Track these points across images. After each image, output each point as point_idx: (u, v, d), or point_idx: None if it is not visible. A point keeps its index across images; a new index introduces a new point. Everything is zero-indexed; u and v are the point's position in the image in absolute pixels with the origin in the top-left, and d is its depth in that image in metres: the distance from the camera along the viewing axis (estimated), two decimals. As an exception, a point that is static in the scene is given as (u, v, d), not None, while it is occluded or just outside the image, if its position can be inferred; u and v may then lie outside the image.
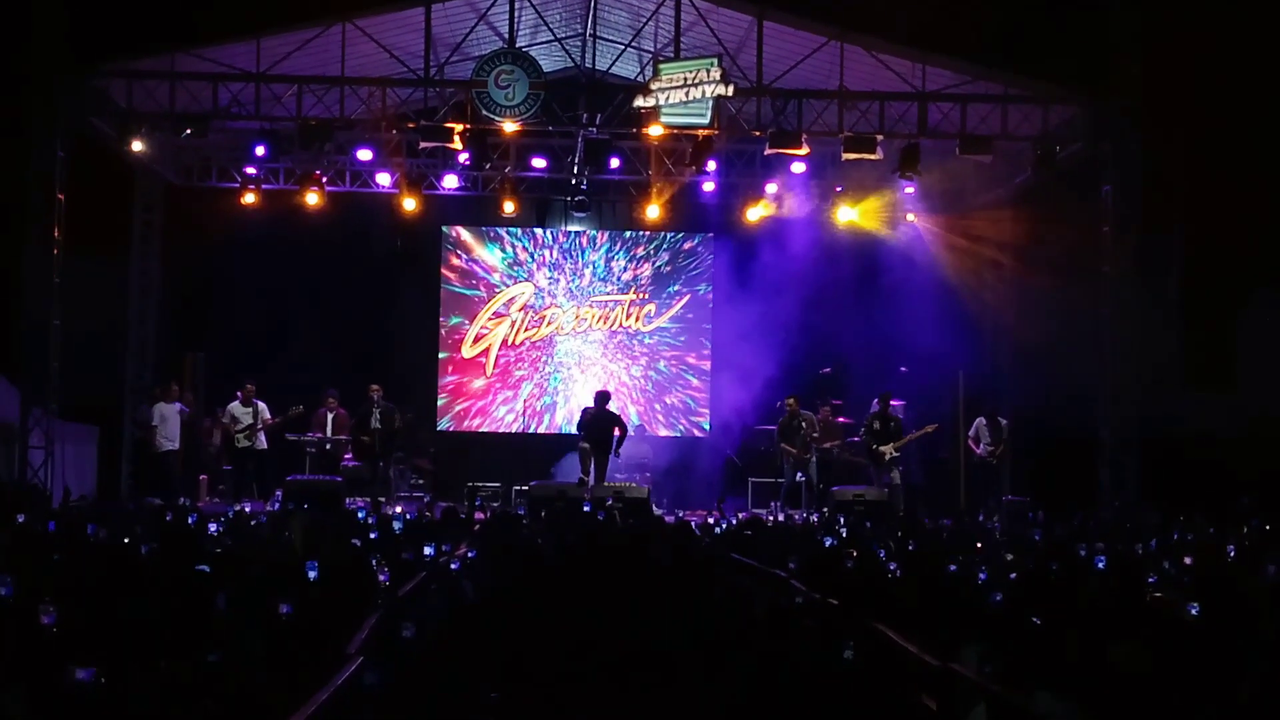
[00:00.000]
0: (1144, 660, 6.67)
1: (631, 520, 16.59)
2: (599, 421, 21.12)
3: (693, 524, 16.39)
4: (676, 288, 25.50)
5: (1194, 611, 8.33)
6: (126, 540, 11.89)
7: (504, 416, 25.19)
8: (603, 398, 21.58)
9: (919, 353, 23.36)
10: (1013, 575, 10.41)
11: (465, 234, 25.45)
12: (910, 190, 23.04)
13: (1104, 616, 8.06)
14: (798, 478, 21.81)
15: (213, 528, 13.71)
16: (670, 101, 19.86)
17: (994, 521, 19.68)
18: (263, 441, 21.62)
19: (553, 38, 22.15)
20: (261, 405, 21.52)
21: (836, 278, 24.23)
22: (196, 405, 22.52)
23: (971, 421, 21.81)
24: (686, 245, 25.57)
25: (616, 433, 20.97)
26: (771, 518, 19.20)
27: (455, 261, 25.41)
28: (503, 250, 25.44)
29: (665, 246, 25.55)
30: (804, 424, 21.74)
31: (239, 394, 21.62)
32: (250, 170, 22.90)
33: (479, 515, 17.68)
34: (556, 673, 7.17)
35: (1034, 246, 23.21)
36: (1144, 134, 20.38)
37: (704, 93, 19.79)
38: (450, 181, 23.54)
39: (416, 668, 7.69)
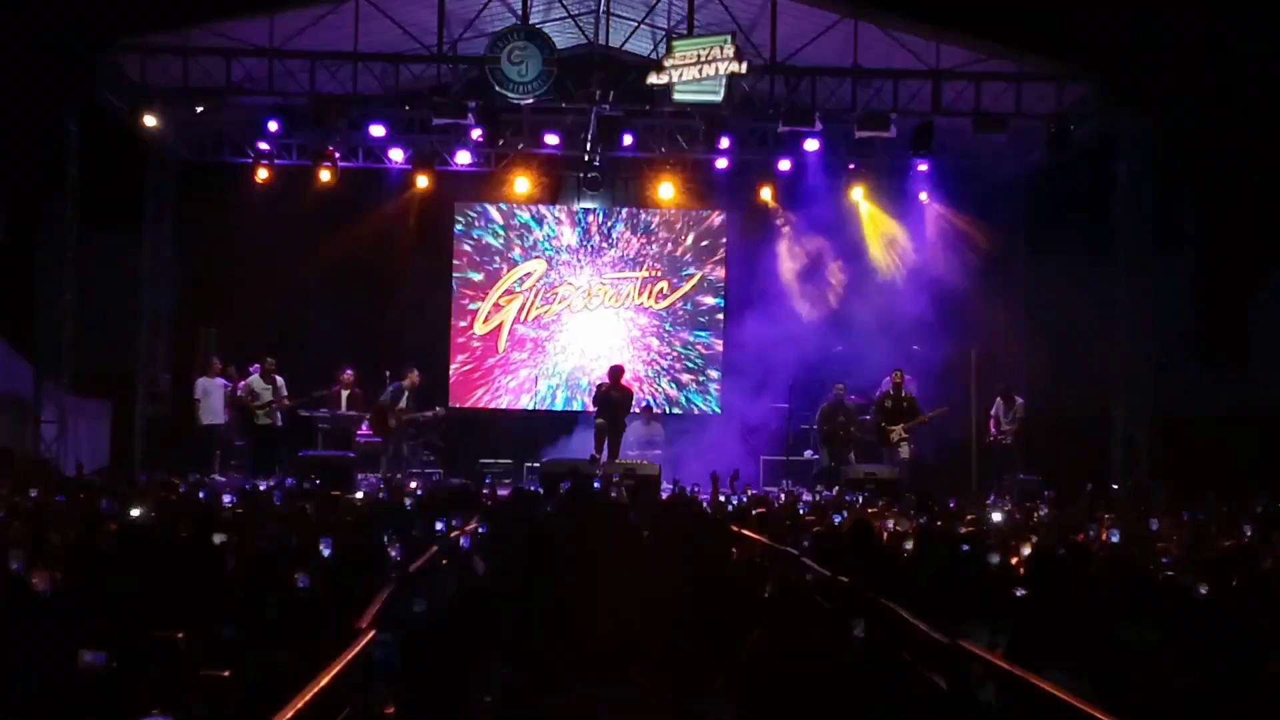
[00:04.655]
0: (1151, 638, 6.67)
1: (642, 498, 16.64)
2: (614, 397, 21.17)
3: (703, 501, 16.41)
4: (689, 265, 25.47)
5: (1203, 591, 8.33)
6: (135, 513, 11.90)
7: (515, 393, 25.19)
8: (617, 372, 21.62)
9: (932, 331, 23.37)
10: (1026, 551, 10.41)
11: (478, 210, 25.43)
12: (924, 168, 22.97)
13: (1114, 595, 8.06)
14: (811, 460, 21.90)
15: (228, 499, 13.75)
16: (683, 79, 19.84)
17: (1005, 500, 19.66)
18: (279, 418, 21.64)
19: (566, 14, 22.09)
20: (279, 381, 21.54)
21: (849, 255, 24.24)
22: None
23: (985, 400, 21.78)
24: (699, 222, 25.52)
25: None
26: (782, 495, 19.19)
27: (467, 238, 25.40)
28: (515, 228, 25.41)
29: (678, 224, 25.50)
30: (842, 415, 21.74)
31: (254, 369, 21.60)
32: (263, 146, 22.86)
33: (485, 491, 17.71)
34: (565, 648, 7.19)
35: (1047, 225, 23.19)
36: (1158, 112, 20.32)
37: (717, 70, 19.76)
38: (463, 158, 23.54)
39: (427, 642, 7.72)
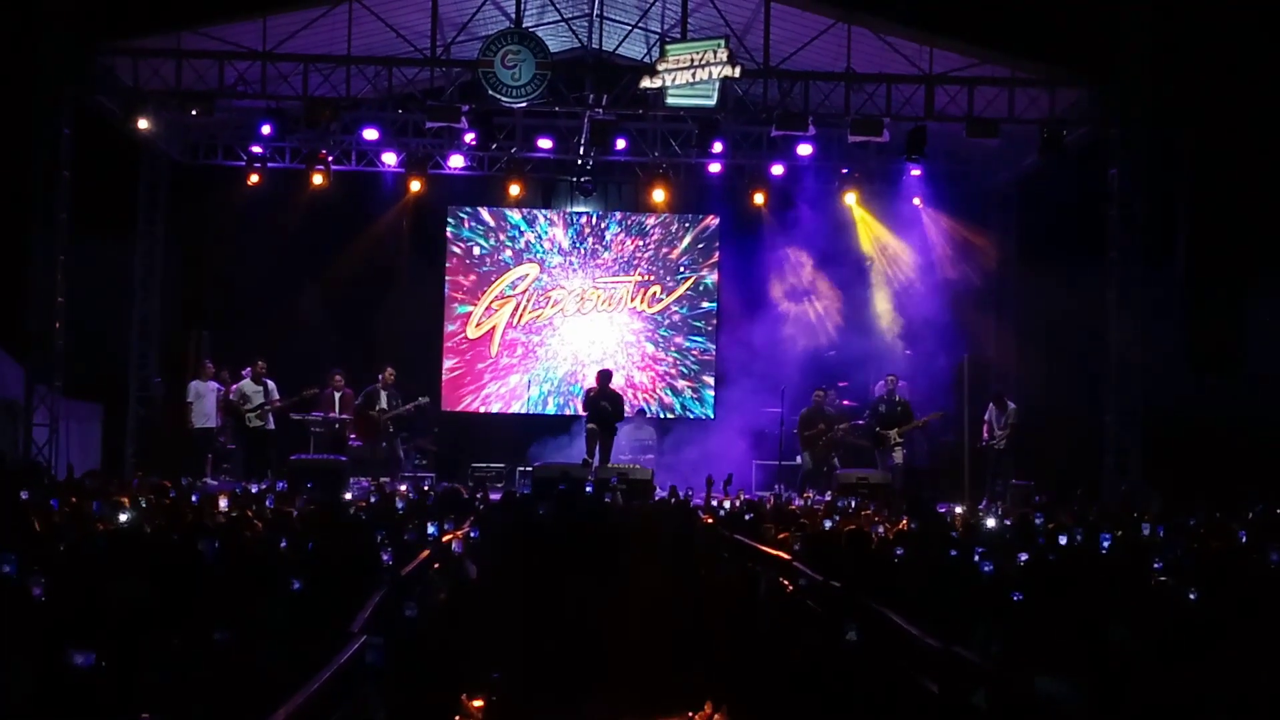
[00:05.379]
0: (1143, 644, 6.68)
1: (635, 502, 16.63)
2: (604, 401, 21.16)
3: (696, 506, 16.41)
4: (682, 269, 25.45)
5: (1193, 597, 8.34)
6: (124, 517, 11.87)
7: (507, 397, 25.16)
8: (605, 376, 21.62)
9: (924, 336, 23.39)
10: (1022, 557, 10.41)
11: (470, 214, 25.40)
12: (916, 173, 22.99)
13: (1106, 600, 8.07)
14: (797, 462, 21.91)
15: (223, 503, 13.73)
16: (677, 83, 19.84)
17: (997, 506, 19.65)
18: (270, 421, 21.60)
19: (559, 18, 22.10)
20: (270, 384, 21.50)
21: (842, 260, 24.27)
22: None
23: (977, 404, 21.78)
24: (693, 226, 25.50)
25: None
26: (772, 499, 19.19)
27: (460, 242, 25.37)
28: (508, 231, 25.39)
29: (672, 227, 25.49)
30: (821, 422, 21.80)
31: (246, 372, 21.55)
32: (256, 149, 22.82)
33: (479, 495, 17.69)
34: (557, 652, 7.19)
35: (1039, 230, 23.21)
36: (1150, 117, 20.33)
37: (710, 74, 19.76)
38: (456, 162, 23.56)
39: (419, 647, 7.71)
